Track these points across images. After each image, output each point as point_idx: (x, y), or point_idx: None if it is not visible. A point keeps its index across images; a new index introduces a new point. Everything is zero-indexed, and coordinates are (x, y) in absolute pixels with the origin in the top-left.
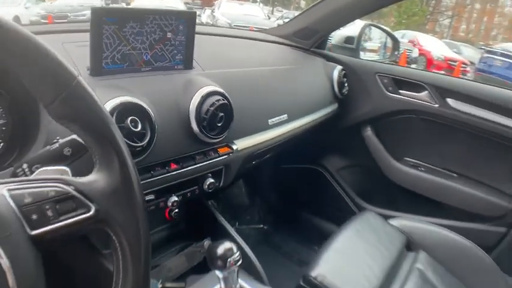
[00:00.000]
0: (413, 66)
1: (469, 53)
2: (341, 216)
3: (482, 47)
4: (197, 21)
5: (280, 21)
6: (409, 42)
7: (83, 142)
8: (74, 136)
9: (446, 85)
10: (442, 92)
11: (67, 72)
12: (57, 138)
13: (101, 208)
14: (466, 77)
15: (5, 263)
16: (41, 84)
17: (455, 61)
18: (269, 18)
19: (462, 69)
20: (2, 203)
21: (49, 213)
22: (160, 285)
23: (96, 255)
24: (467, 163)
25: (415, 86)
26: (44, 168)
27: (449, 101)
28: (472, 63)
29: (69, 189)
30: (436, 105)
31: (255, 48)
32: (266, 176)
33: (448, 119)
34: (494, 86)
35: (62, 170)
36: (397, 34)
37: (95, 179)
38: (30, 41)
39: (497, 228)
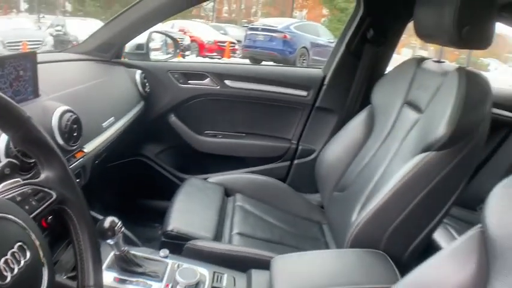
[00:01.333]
0: (187, 53)
1: (235, 33)
2: (170, 191)
3: (245, 25)
4: None
5: (52, 29)
6: (179, 31)
7: (16, 162)
8: (9, 159)
9: (222, 70)
10: (220, 76)
11: (20, 111)
12: None
13: (58, 193)
14: (235, 60)
15: (36, 241)
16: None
17: (224, 42)
18: (40, 28)
19: (231, 48)
20: (3, 203)
21: (33, 203)
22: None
23: None
24: (252, 124)
25: (199, 75)
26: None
27: (227, 82)
28: (239, 41)
29: (37, 186)
30: (218, 87)
31: (74, 68)
32: (97, 176)
33: (229, 95)
34: (256, 64)
35: (17, 180)
36: (167, 25)
37: (47, 175)
38: None
39: (284, 163)
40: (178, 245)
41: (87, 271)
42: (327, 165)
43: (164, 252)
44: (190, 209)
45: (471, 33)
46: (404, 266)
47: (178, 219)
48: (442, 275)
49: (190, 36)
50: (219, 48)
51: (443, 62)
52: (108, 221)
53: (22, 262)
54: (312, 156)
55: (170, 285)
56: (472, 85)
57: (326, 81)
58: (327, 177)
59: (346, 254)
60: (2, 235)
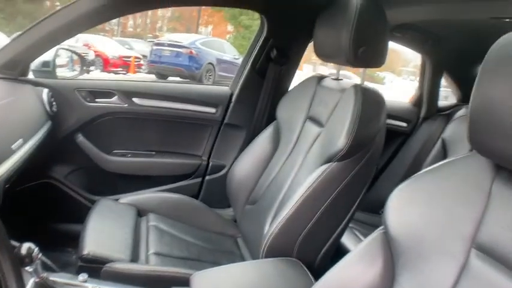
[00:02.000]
0: (92, 68)
1: (141, 47)
2: (82, 214)
3: (151, 40)
4: None
5: None
6: (84, 45)
7: None
8: None
9: (130, 88)
10: (128, 94)
11: None
12: None
13: None
14: (141, 75)
15: None
16: None
17: (129, 57)
18: None
19: (137, 63)
20: None
21: None
22: None
23: None
24: (162, 142)
25: (107, 93)
26: None
27: (135, 99)
28: (144, 56)
29: None
30: (126, 105)
31: None
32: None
33: (138, 113)
34: (162, 82)
35: None
36: (71, 39)
37: None
38: None
39: (196, 179)
40: (95, 268)
41: None
42: (237, 180)
43: (83, 276)
44: (104, 231)
45: (367, 54)
46: (317, 271)
47: (93, 242)
48: (352, 276)
49: (95, 51)
50: (124, 64)
51: (341, 79)
52: (25, 247)
53: None
54: (223, 172)
55: None
56: (367, 100)
57: (233, 98)
58: (238, 191)
59: (262, 264)
60: None
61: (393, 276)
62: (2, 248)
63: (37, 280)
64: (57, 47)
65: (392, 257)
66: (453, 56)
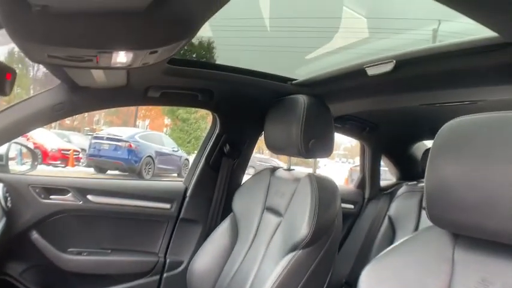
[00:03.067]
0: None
1: (79, 140)
2: None
3: (89, 133)
4: None
5: None
6: (23, 137)
7: None
8: None
9: (84, 185)
10: (82, 191)
11: None
12: None
13: None
14: (80, 168)
15: None
16: None
17: (68, 150)
18: None
19: (75, 156)
20: None
21: None
22: None
23: None
24: (117, 239)
25: (61, 190)
26: None
27: (89, 197)
28: (83, 149)
29: None
30: (80, 202)
31: None
32: None
33: (93, 211)
34: (116, 179)
35: None
36: None
37: None
38: None
39: (154, 277)
40: None
41: None
42: (198, 276)
43: None
44: None
45: (316, 145)
46: None
47: None
48: None
49: (34, 143)
50: (63, 157)
51: (293, 169)
52: None
53: None
54: (181, 268)
55: None
56: (323, 188)
57: (188, 193)
58: (201, 287)
59: None
60: None
61: None
62: None
63: None
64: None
65: None
66: (389, 139)
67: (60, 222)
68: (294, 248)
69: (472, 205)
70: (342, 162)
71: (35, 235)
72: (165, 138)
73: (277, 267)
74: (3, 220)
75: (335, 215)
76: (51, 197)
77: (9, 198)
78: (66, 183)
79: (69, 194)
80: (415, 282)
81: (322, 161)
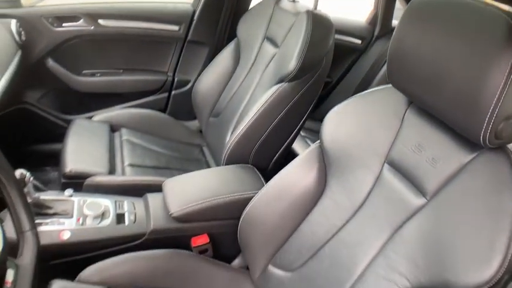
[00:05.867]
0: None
1: None
2: (57, 134)
3: None
4: None
5: None
6: None
7: None
8: None
9: (95, 10)
10: (93, 16)
11: None
12: None
13: None
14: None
15: None
16: None
17: None
18: None
19: None
20: None
21: None
22: None
23: None
24: (129, 60)
25: (73, 17)
26: None
27: (101, 21)
28: None
29: None
30: (92, 27)
31: None
32: None
33: (104, 34)
34: (126, 2)
35: None
36: None
37: None
38: None
39: (163, 94)
40: (78, 183)
41: (22, 219)
42: (201, 94)
43: (69, 191)
44: (82, 149)
45: None
46: (269, 175)
47: (73, 160)
48: (294, 179)
49: None
50: None
51: (297, 1)
52: (18, 173)
53: None
54: (188, 87)
55: (81, 219)
56: (317, 26)
57: (196, 16)
58: (203, 105)
59: (223, 170)
60: None
61: (326, 181)
62: (8, 176)
63: (30, 201)
64: None
65: (325, 166)
66: None
67: (73, 48)
68: (281, 80)
69: (425, 77)
70: None
71: (50, 62)
72: None
73: (264, 95)
74: (19, 53)
75: (325, 53)
76: (63, 24)
77: (22, 32)
78: (77, 10)
79: (81, 21)
80: (368, 131)
81: None
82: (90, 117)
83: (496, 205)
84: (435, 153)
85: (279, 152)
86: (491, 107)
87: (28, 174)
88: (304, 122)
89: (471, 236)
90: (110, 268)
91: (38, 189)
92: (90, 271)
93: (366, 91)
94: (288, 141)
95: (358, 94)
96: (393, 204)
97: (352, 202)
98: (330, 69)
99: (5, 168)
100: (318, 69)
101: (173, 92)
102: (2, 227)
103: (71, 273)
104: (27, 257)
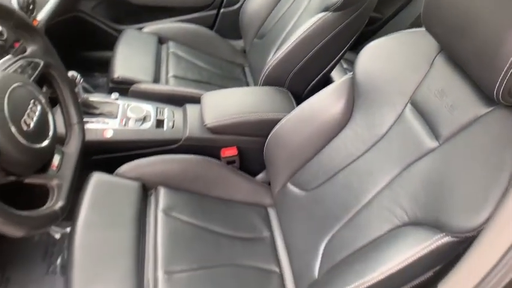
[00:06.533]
0: None
1: None
2: (108, 43)
3: None
4: None
5: None
6: None
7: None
8: None
9: None
10: None
11: (8, 6)
12: None
13: (44, 60)
14: None
15: (41, 97)
16: None
17: None
18: None
19: None
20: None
21: (29, 71)
22: None
23: None
24: None
25: None
26: None
27: None
28: None
29: (28, 59)
30: None
31: None
32: None
33: None
34: None
35: (9, 57)
36: None
37: (32, 49)
38: None
39: (212, 11)
40: (124, 88)
41: (71, 113)
42: (249, 14)
43: (115, 95)
44: (130, 58)
45: None
46: (304, 100)
47: (121, 67)
48: (322, 106)
49: None
50: None
51: None
52: (70, 74)
53: (37, 113)
54: (237, 6)
55: (124, 120)
56: None
57: None
58: (249, 25)
59: (259, 90)
60: (21, 97)
61: (352, 112)
62: (62, 76)
63: (79, 100)
64: None
65: (353, 98)
66: None
67: None
68: (326, 9)
69: (457, 24)
70: None
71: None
72: None
73: (307, 22)
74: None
75: None
76: None
77: None
78: None
79: None
80: (398, 70)
81: None
82: (140, 29)
83: (498, 159)
84: (455, 101)
85: (315, 80)
86: (508, 63)
87: (79, 76)
88: (344, 53)
89: (469, 184)
90: (145, 166)
91: (86, 91)
92: (127, 167)
93: (403, 31)
94: (325, 70)
95: (395, 33)
96: (408, 143)
97: (371, 135)
98: (382, 5)
99: (60, 68)
100: (364, 2)
101: (222, 10)
102: (54, 119)
103: (110, 169)
104: (73, 146)
